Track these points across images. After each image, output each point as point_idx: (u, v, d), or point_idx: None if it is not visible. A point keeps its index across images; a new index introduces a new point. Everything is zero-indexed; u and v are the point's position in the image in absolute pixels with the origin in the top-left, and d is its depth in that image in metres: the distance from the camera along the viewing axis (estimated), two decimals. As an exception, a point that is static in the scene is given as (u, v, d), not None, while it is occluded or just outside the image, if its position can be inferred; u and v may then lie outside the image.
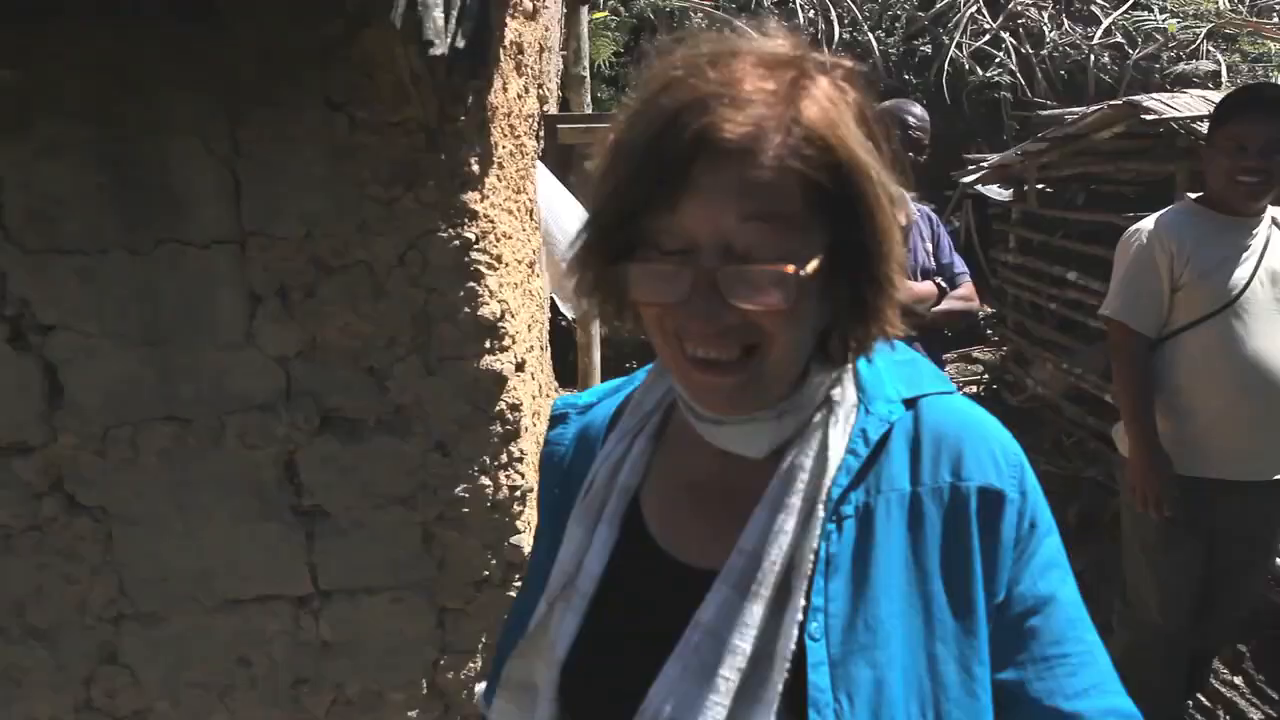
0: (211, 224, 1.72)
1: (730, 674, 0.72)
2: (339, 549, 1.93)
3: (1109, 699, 0.79)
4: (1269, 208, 2.52)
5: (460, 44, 1.26)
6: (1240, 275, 2.40)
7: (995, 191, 5.93)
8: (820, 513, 0.75)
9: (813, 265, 0.70)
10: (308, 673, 1.99)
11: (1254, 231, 2.46)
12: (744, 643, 0.73)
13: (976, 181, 5.62)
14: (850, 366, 0.79)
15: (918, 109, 3.08)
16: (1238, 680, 3.29)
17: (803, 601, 0.73)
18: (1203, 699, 3.15)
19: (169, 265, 1.73)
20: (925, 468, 0.77)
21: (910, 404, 0.80)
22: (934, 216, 3.23)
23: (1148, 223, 2.58)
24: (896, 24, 6.07)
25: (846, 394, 0.79)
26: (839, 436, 0.77)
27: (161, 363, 1.78)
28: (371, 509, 1.91)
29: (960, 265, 3.15)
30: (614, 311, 0.80)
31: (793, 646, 0.73)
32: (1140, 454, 2.49)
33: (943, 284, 3.03)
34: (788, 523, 0.74)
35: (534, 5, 2.24)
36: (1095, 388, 4.48)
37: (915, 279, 3.00)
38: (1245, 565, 2.63)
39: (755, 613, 0.73)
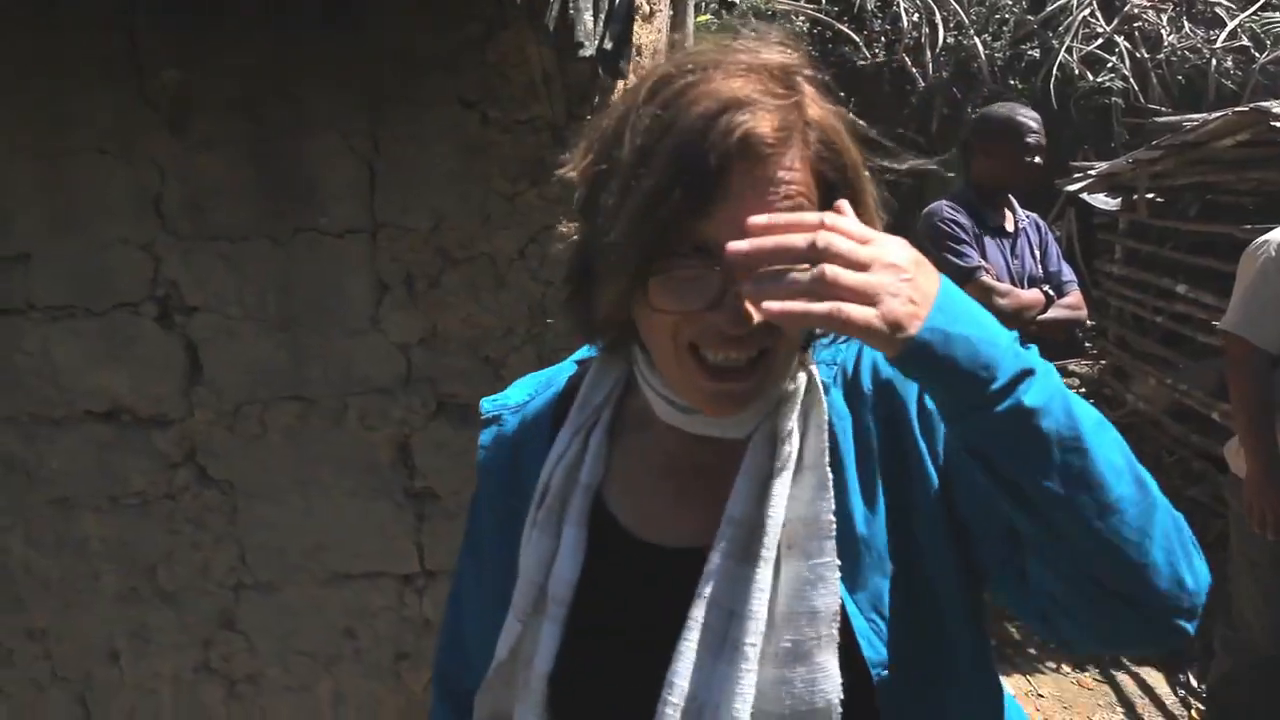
0: (346, 215, 1.80)
1: (754, 640, 0.72)
2: (446, 531, 2.00)
3: None
4: None
5: (608, 46, 1.30)
6: None
7: (1102, 201, 5.73)
8: (830, 476, 0.76)
9: None
10: (409, 648, 2.07)
11: None
12: (760, 607, 0.73)
13: (1083, 190, 5.44)
14: None
15: (1033, 114, 3.01)
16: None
17: (833, 558, 0.74)
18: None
19: (305, 253, 1.82)
20: (855, 387, 0.82)
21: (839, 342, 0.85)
22: (1042, 224, 3.18)
23: (1277, 234, 2.47)
24: (1004, 28, 5.91)
25: (808, 357, 0.81)
26: (814, 400, 0.79)
27: (292, 345, 1.88)
28: (480, 494, 1.97)
29: (1068, 273, 3.09)
30: (617, 329, 0.79)
31: (837, 601, 0.74)
32: (1260, 472, 2.42)
33: (1050, 292, 2.97)
34: (780, 486, 0.75)
35: (650, 8, 2.27)
36: (1202, 405, 4.30)
37: (1022, 286, 2.95)
38: None
39: (764, 577, 0.74)
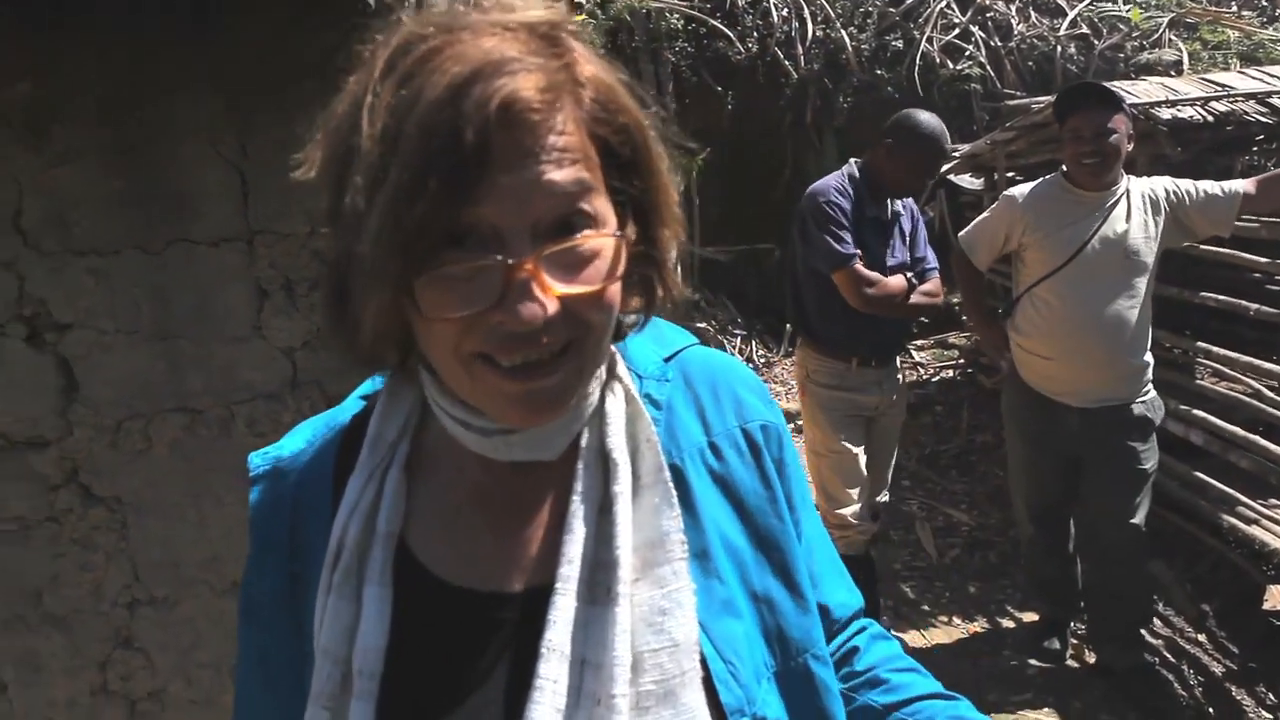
0: (220, 223, 1.80)
1: (622, 689, 0.64)
2: (344, 531, 2.02)
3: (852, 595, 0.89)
4: (1129, 179, 2.95)
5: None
6: (1076, 242, 2.88)
7: (967, 181, 6.06)
8: (673, 491, 0.70)
9: (630, 227, 0.66)
10: (315, 651, 2.08)
11: (1103, 203, 2.89)
12: (624, 652, 0.65)
13: (949, 172, 5.75)
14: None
15: (948, 141, 3.15)
16: (1201, 637, 3.45)
17: (687, 580, 0.69)
18: (1168, 655, 3.32)
19: (180, 263, 1.81)
20: (713, 417, 0.77)
21: (668, 360, 0.79)
22: (915, 209, 3.33)
23: (1020, 188, 3.11)
24: (869, 20, 6.20)
25: (620, 367, 0.74)
26: (637, 411, 0.72)
27: (173, 357, 1.87)
28: (375, 492, 2.00)
29: (932, 260, 3.27)
30: (390, 347, 0.68)
31: (695, 628, 0.68)
32: (984, 335, 3.37)
33: (912, 279, 3.14)
34: (623, 511, 0.68)
35: None
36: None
37: (892, 273, 3.10)
38: (1101, 482, 3.07)
39: (619, 616, 0.65)
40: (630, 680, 0.65)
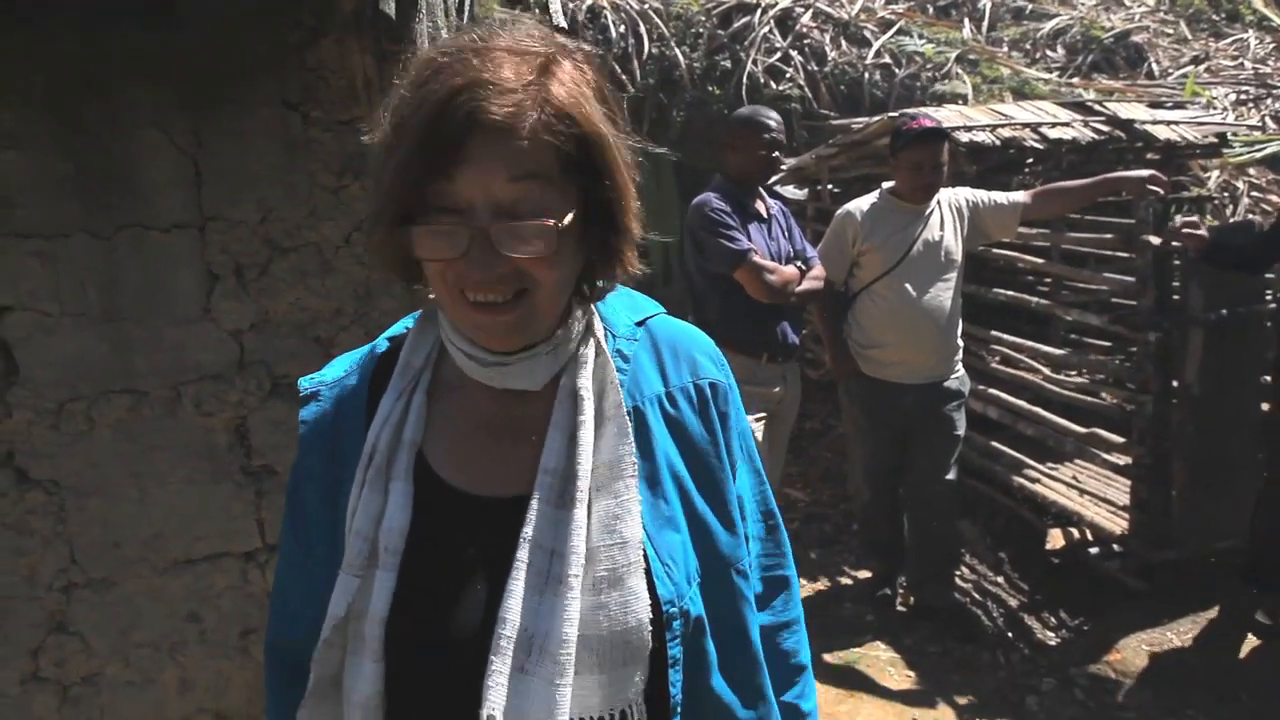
0: (173, 210, 1.89)
1: (576, 572, 0.82)
2: (284, 506, 2.12)
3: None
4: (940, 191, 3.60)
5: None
6: (904, 246, 3.49)
7: (791, 191, 6.67)
8: (629, 424, 0.89)
9: (568, 218, 0.83)
10: (255, 623, 2.17)
11: (923, 213, 3.53)
12: (580, 544, 0.83)
13: (776, 182, 6.31)
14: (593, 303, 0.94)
15: (773, 114, 3.44)
16: (999, 579, 4.12)
17: (635, 494, 0.87)
18: (975, 595, 3.94)
19: (130, 248, 1.88)
20: (671, 372, 0.95)
21: (639, 325, 0.98)
22: (786, 210, 3.64)
23: (851, 204, 3.65)
24: (700, 40, 6.68)
25: (596, 325, 0.93)
26: (604, 360, 0.91)
27: (119, 339, 1.92)
28: (316, 467, 2.12)
29: (811, 250, 3.59)
30: (399, 269, 0.89)
31: (640, 531, 0.86)
32: (833, 352, 3.76)
33: (802, 266, 3.43)
34: (586, 436, 0.86)
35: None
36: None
37: (780, 263, 3.37)
38: (926, 446, 3.67)
39: (579, 518, 0.84)
40: (585, 568, 0.84)
